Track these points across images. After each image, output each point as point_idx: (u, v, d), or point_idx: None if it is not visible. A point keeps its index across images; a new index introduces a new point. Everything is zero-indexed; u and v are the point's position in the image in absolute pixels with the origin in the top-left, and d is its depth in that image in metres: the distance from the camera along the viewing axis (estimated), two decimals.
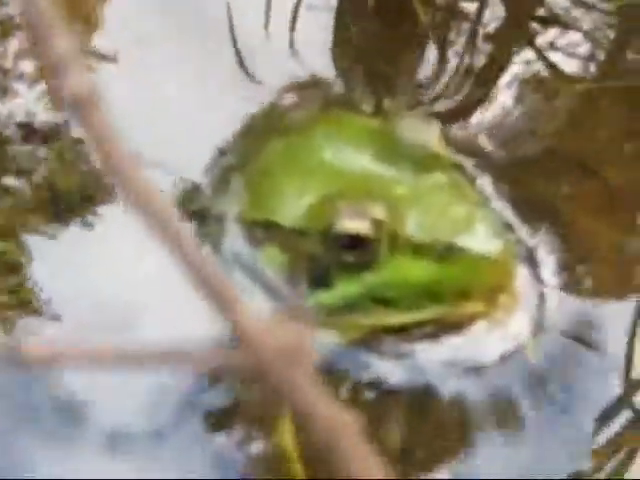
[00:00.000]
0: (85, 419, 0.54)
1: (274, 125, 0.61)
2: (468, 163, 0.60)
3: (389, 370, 0.55)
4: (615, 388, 0.55)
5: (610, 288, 0.59)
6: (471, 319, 0.55)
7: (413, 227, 0.52)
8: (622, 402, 0.54)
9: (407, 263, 0.52)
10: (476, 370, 0.55)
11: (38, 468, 0.53)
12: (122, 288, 0.56)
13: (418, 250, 0.52)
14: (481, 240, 0.52)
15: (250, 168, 0.58)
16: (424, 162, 0.54)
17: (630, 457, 0.52)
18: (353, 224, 0.51)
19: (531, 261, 0.58)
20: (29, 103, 0.61)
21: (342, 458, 0.21)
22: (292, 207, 0.55)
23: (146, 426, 0.53)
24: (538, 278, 0.58)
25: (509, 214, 0.60)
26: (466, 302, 0.53)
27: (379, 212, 0.52)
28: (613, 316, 0.57)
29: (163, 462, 0.53)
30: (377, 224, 0.51)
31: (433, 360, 0.55)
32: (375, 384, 0.55)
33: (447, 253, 0.52)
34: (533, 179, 0.62)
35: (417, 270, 0.52)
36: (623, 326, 0.57)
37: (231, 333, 0.19)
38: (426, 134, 0.55)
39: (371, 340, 0.55)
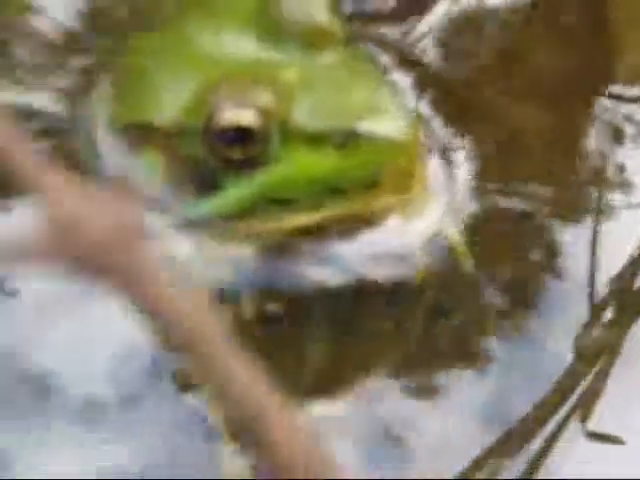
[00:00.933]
0: (56, 391, 0.54)
1: (139, 18, 0.54)
2: (362, 37, 0.54)
3: (313, 273, 0.50)
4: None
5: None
6: (385, 212, 0.50)
7: (306, 114, 0.47)
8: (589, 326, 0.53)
9: (302, 156, 0.47)
10: (400, 259, 0.51)
11: (12, 445, 0.53)
12: None
13: (314, 140, 0.47)
14: (383, 123, 0.46)
15: (116, 67, 0.51)
16: (313, 39, 0.48)
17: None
18: (236, 115, 0.46)
19: (443, 151, 0.54)
20: None
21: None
22: (168, 104, 0.48)
23: (116, 393, 0.53)
24: (450, 167, 0.53)
25: (420, 103, 0.55)
26: (374, 193, 0.48)
27: (265, 99, 0.46)
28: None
29: (136, 427, 0.53)
30: (264, 113, 0.46)
31: (354, 257, 0.50)
32: (298, 288, 0.50)
33: (347, 140, 0.46)
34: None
35: (315, 162, 0.47)
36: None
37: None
38: (312, 6, 0.49)
39: (285, 246, 0.50)
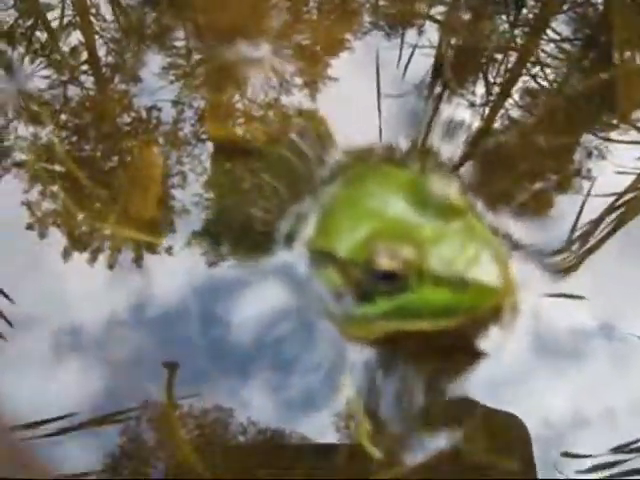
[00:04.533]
0: None
1: (341, 176, 0.77)
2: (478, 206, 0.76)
3: None
4: None
5: None
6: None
7: (435, 264, 0.66)
8: None
9: (430, 291, 0.67)
10: None
11: None
12: None
13: (438, 281, 0.66)
14: (486, 274, 0.66)
15: (321, 209, 0.74)
16: (446, 211, 0.68)
17: None
18: (388, 263, 0.66)
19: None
20: None
21: None
22: (345, 242, 0.70)
23: None
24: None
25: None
26: (473, 318, 0.67)
27: (409, 253, 0.66)
28: None
29: None
30: (407, 263, 0.66)
31: None
32: None
33: (459, 284, 0.66)
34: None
35: (437, 296, 0.67)
36: None
37: None
38: (448, 188, 0.69)
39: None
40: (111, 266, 0.73)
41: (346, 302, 0.69)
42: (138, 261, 0.73)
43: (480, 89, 0.83)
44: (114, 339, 0.69)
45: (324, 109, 0.81)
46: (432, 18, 0.87)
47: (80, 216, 0.75)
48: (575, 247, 0.74)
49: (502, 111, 0.82)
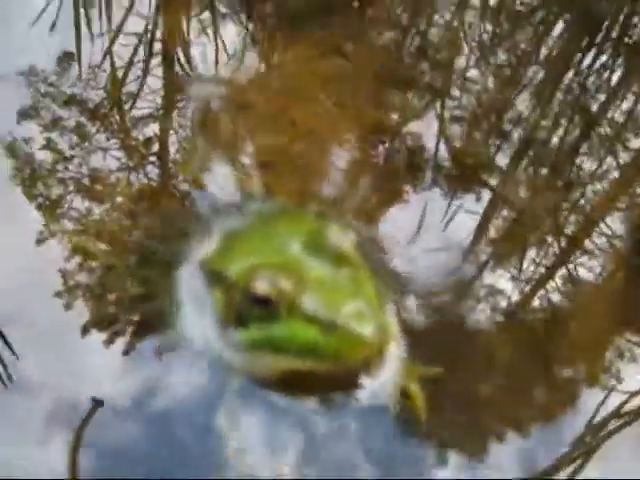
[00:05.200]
0: None
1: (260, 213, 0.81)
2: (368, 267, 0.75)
3: None
4: None
5: None
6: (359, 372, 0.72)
7: (309, 301, 0.69)
8: None
9: (299, 327, 0.69)
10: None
11: None
12: None
13: (309, 319, 0.68)
14: (358, 324, 0.67)
15: (229, 233, 0.78)
16: (338, 259, 0.71)
17: None
18: (263, 288, 0.68)
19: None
20: None
21: None
22: (235, 265, 0.72)
23: None
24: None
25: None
26: (337, 363, 0.68)
27: (286, 285, 0.69)
28: None
29: None
30: (281, 293, 0.68)
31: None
32: None
33: (328, 326, 0.67)
34: None
35: (305, 334, 0.68)
36: None
37: None
38: (344, 239, 0.73)
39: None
40: (126, 352, 0.73)
41: (226, 328, 0.71)
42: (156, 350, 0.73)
43: (522, 264, 0.83)
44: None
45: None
46: (488, 186, 0.89)
47: (109, 298, 0.76)
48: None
49: (542, 291, 0.82)
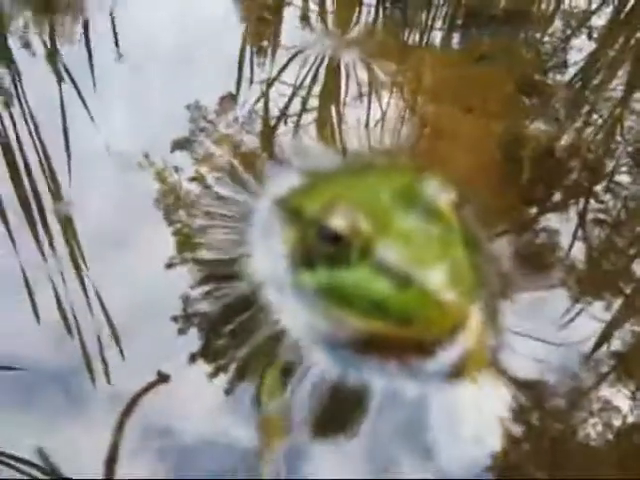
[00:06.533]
0: None
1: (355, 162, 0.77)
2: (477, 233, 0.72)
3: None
4: None
5: None
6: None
7: (386, 250, 0.61)
8: None
9: (368, 274, 0.61)
10: None
11: None
12: None
13: (380, 267, 0.61)
14: (437, 284, 0.59)
15: (316, 175, 0.74)
16: (429, 214, 0.64)
17: None
18: (337, 222, 0.62)
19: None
20: None
21: None
22: (314, 203, 0.67)
23: None
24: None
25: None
26: (406, 328, 0.60)
27: (363, 223, 0.62)
28: None
29: None
30: (356, 231, 0.62)
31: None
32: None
33: (401, 279, 0.60)
34: None
35: (376, 284, 0.61)
36: None
37: None
38: (442, 197, 0.65)
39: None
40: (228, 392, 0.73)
41: (291, 266, 0.66)
42: None
43: None
44: None
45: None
46: (622, 293, 0.85)
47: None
48: None
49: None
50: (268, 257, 0.70)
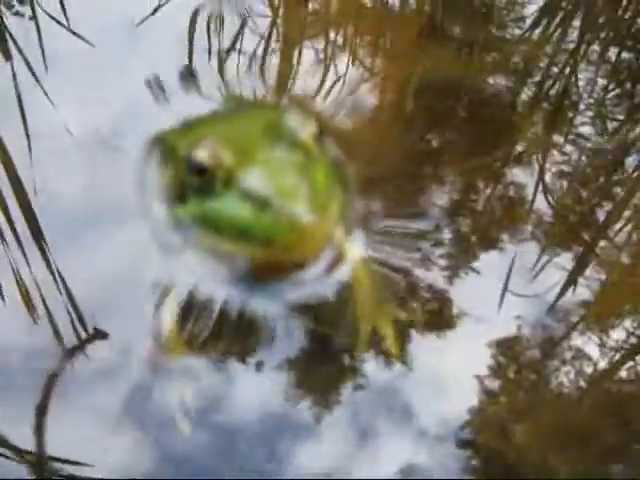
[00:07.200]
0: None
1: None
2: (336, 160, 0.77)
3: None
4: None
5: None
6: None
7: (248, 178, 0.66)
8: None
9: (234, 203, 0.66)
10: None
11: None
12: None
13: (244, 194, 0.66)
14: (297, 208, 0.64)
15: (194, 119, 0.79)
16: (292, 146, 0.69)
17: None
18: (203, 155, 0.67)
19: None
20: None
21: None
22: (187, 140, 0.72)
23: None
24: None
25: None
26: (271, 250, 0.66)
27: (227, 156, 0.67)
28: None
29: None
30: (218, 162, 0.67)
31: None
32: None
33: (262, 203, 0.65)
34: None
35: (239, 209, 0.66)
36: None
37: None
38: (304, 129, 0.70)
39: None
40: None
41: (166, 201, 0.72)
42: None
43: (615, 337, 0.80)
44: None
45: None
46: (586, 244, 0.86)
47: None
48: None
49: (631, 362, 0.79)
50: (149, 195, 0.76)
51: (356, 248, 0.75)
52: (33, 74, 0.91)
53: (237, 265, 0.71)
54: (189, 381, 0.69)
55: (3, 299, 0.74)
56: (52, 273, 0.76)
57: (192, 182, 0.69)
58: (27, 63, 0.93)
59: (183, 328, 0.71)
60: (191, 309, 0.72)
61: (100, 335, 0.71)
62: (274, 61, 0.97)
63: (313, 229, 0.65)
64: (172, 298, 0.71)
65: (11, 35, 0.96)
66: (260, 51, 0.98)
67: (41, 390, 0.68)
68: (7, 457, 0.65)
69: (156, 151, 0.78)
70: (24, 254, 0.77)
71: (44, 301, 0.74)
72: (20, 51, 0.94)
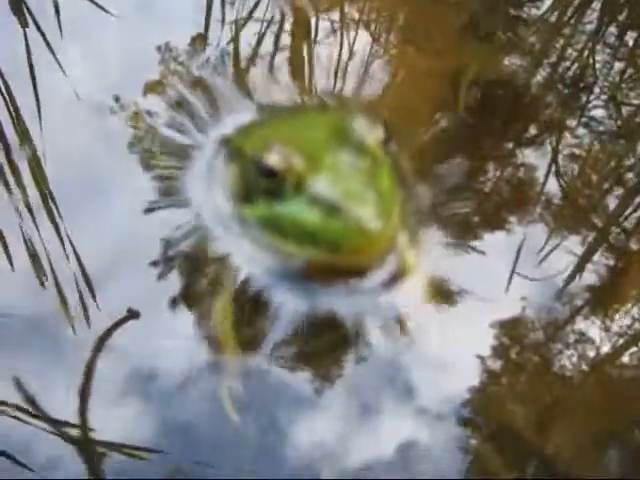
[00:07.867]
0: None
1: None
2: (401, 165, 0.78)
3: None
4: None
5: None
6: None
7: (317, 183, 0.67)
8: None
9: (303, 207, 0.67)
10: None
11: None
12: None
13: (313, 200, 0.67)
14: (363, 215, 0.65)
15: (261, 120, 0.80)
16: (358, 151, 0.69)
17: None
18: (273, 159, 0.68)
19: None
20: None
21: None
22: (254, 142, 0.73)
23: None
24: None
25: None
26: (335, 255, 0.67)
27: (297, 161, 0.68)
28: None
29: None
30: (289, 167, 0.68)
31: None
32: None
33: (332, 209, 0.66)
34: None
35: (308, 215, 0.67)
36: None
37: None
38: (371, 134, 0.71)
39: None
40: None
41: (237, 203, 0.72)
42: None
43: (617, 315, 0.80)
44: None
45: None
46: (596, 228, 0.86)
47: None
48: None
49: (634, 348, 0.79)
50: (213, 193, 0.76)
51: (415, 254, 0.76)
52: (47, 44, 0.91)
53: (294, 267, 0.71)
54: (238, 375, 0.70)
55: (12, 265, 0.74)
56: (61, 239, 0.76)
57: (261, 185, 0.70)
58: (40, 30, 0.92)
59: (237, 324, 0.72)
60: (244, 306, 0.73)
61: (133, 315, 0.72)
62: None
63: (380, 235, 0.66)
64: (227, 294, 0.72)
65: (25, 2, 0.95)
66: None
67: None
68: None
69: (223, 152, 0.78)
70: (34, 220, 0.77)
71: (51, 266, 0.74)
72: (35, 21, 0.93)
